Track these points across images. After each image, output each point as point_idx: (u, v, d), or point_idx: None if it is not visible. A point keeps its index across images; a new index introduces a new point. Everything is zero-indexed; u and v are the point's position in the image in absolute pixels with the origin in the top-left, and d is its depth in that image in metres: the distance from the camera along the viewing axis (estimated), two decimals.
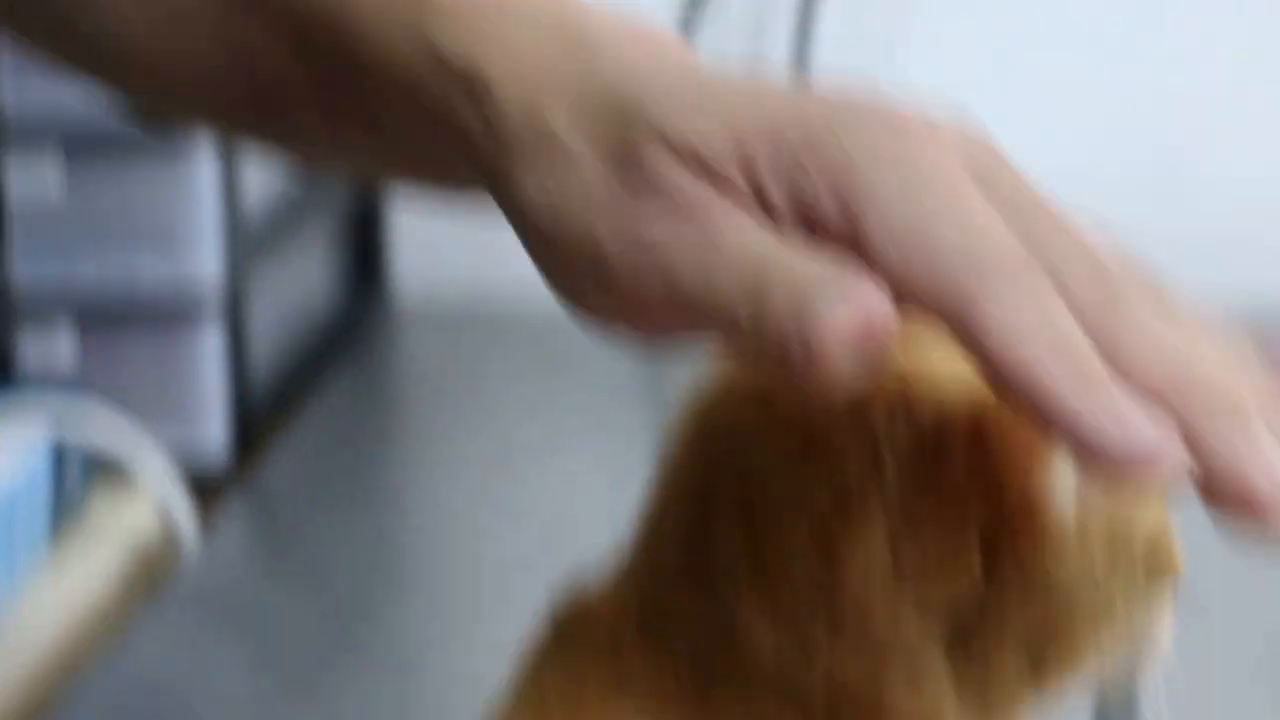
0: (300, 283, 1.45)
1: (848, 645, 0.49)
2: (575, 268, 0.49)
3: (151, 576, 1.17)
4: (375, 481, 1.25)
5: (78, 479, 1.23)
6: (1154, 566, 0.52)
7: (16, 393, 1.21)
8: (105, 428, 1.21)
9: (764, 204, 0.47)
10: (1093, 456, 0.44)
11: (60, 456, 1.20)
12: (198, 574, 1.11)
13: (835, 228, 0.47)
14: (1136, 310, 0.46)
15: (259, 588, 1.11)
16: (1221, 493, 0.44)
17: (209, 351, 1.28)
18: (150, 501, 1.24)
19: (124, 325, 1.29)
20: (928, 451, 0.49)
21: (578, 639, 0.50)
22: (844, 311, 0.44)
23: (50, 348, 1.29)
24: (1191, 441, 0.44)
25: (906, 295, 0.45)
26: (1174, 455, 0.44)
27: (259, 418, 1.32)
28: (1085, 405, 0.44)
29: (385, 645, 1.01)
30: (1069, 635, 0.50)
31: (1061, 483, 0.49)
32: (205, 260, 1.28)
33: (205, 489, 1.25)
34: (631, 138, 0.49)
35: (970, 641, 0.50)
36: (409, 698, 0.94)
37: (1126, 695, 0.55)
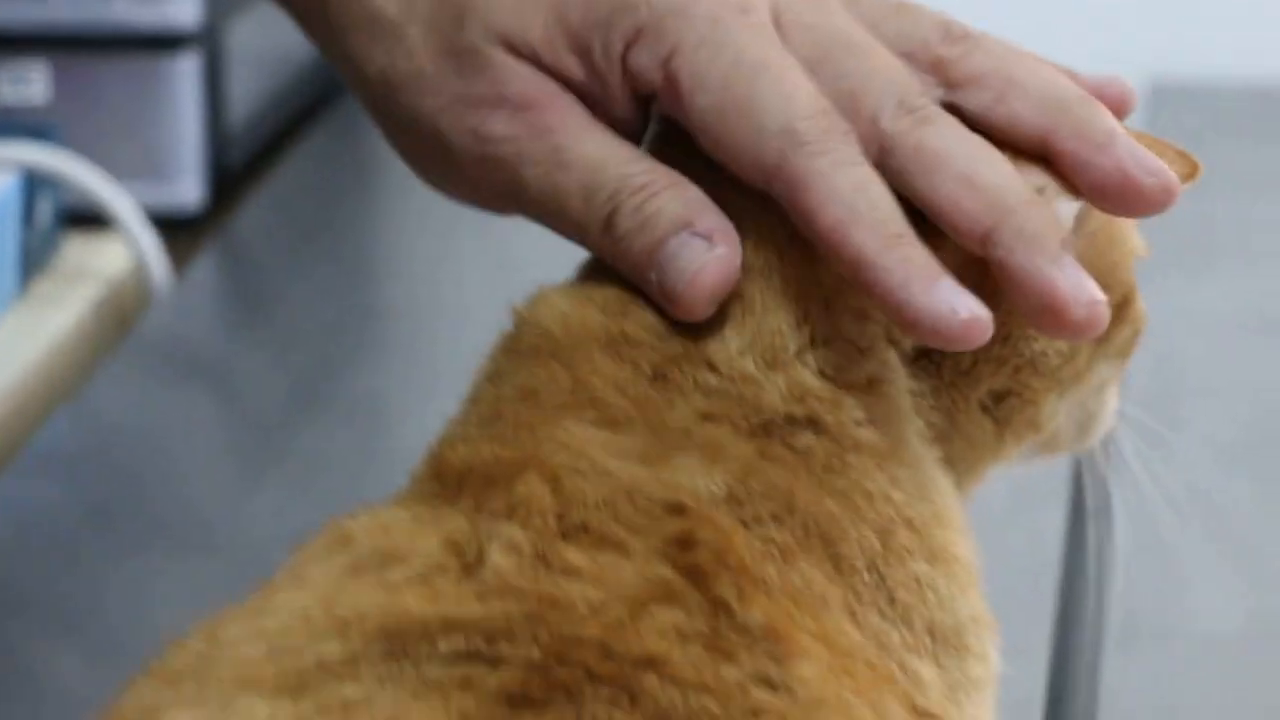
0: (283, 33, 1.43)
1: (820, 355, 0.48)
2: (424, 150, 0.53)
3: (122, 321, 1.16)
4: (350, 235, 1.24)
5: (49, 221, 1.22)
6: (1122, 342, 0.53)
7: None
8: (78, 169, 1.20)
9: (603, 88, 0.51)
10: (913, 326, 0.47)
11: (31, 195, 1.19)
12: (166, 320, 1.10)
13: (667, 105, 0.50)
14: (943, 128, 0.49)
15: (227, 336, 1.10)
16: (1037, 314, 0.48)
17: (185, 93, 1.26)
18: (123, 245, 1.23)
19: (99, 65, 1.27)
20: None
21: (534, 354, 0.50)
22: (697, 264, 0.48)
23: (24, 88, 1.27)
24: (1002, 271, 0.48)
25: (730, 166, 0.49)
26: (979, 316, 0.47)
27: (236, 167, 1.31)
28: (902, 278, 0.47)
29: (352, 398, 1.01)
30: (1034, 397, 0.51)
31: None
32: (183, 1, 1.26)
33: (179, 236, 1.24)
34: (467, 36, 0.51)
35: (942, 393, 0.51)
36: (376, 450, 0.94)
37: (1100, 480, 0.56)
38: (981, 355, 0.50)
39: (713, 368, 0.48)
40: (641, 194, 0.49)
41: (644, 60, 0.50)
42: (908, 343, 0.50)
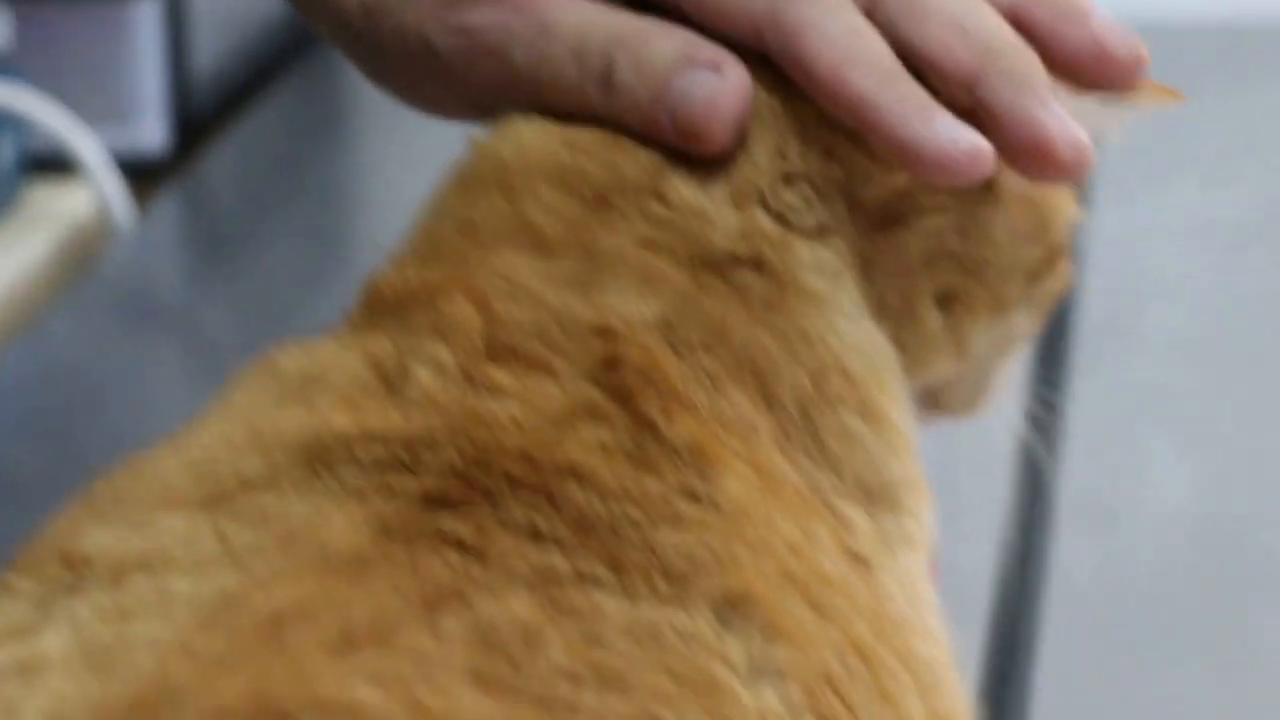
0: None
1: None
2: (405, 65, 0.52)
3: (84, 264, 1.16)
4: (315, 182, 1.23)
5: (11, 164, 1.22)
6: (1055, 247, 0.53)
7: None
8: (41, 109, 1.19)
9: None
10: (916, 162, 0.47)
11: None
12: (126, 261, 1.10)
13: None
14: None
15: (188, 278, 1.10)
16: (1024, 154, 0.48)
17: (146, 36, 1.26)
18: (86, 190, 1.22)
19: (59, 8, 1.26)
20: None
21: (479, 185, 0.49)
22: (712, 93, 0.48)
23: None
24: (991, 114, 0.48)
25: (718, 25, 0.49)
26: (980, 147, 0.47)
27: (202, 112, 1.30)
28: (901, 114, 0.47)
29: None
30: (973, 306, 0.51)
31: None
32: None
33: (142, 181, 1.24)
34: None
35: (899, 273, 0.51)
36: None
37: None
38: (939, 248, 0.50)
39: (661, 198, 0.48)
40: (635, 42, 0.49)
41: None
42: (871, 200, 0.50)
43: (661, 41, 0.49)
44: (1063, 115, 0.48)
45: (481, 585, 0.41)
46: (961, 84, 0.48)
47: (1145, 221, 1.02)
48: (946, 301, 0.51)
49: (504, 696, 0.39)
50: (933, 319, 0.51)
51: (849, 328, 0.49)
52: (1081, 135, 0.48)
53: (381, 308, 0.48)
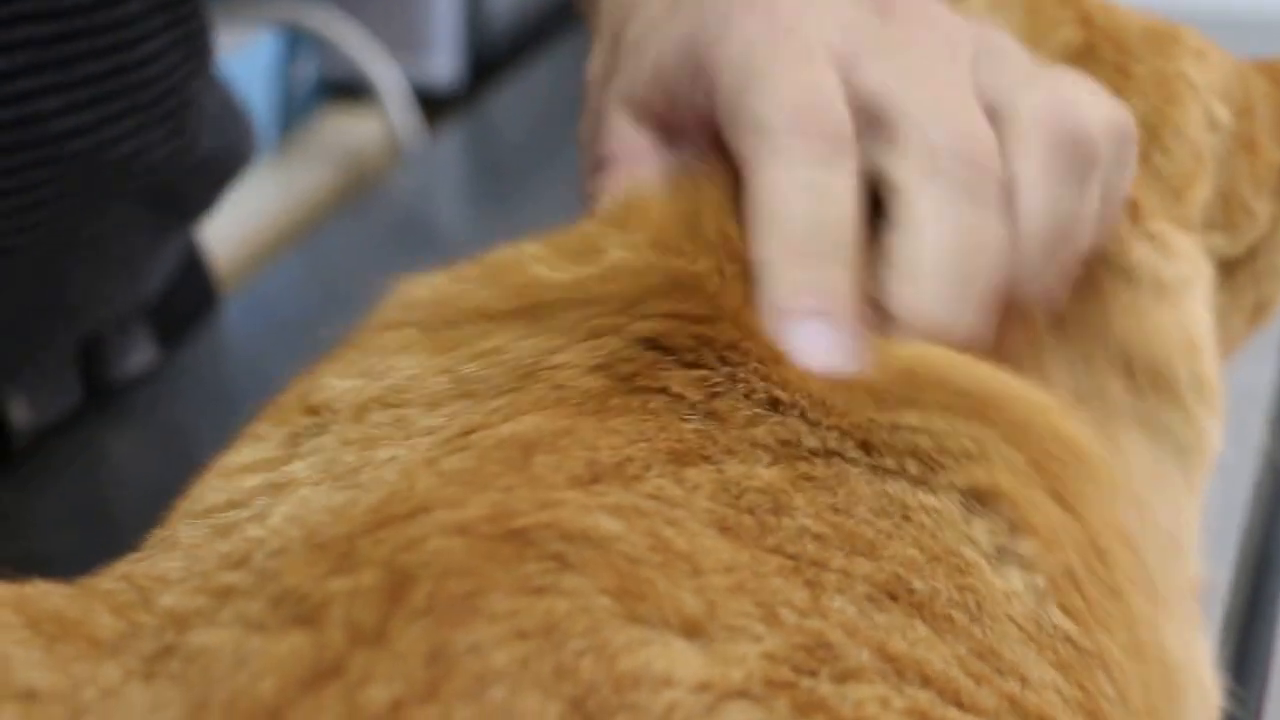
0: None
1: None
2: None
3: (370, 191, 1.20)
4: None
5: (311, 87, 1.26)
6: None
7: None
8: (344, 36, 1.23)
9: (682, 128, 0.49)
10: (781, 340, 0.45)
11: (293, 56, 1.22)
12: (407, 190, 1.13)
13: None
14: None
15: (464, 211, 1.13)
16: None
17: None
18: (379, 117, 1.26)
19: None
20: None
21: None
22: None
23: None
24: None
25: (727, 143, 0.47)
26: (835, 361, 0.45)
27: (494, 50, 1.33)
28: (781, 296, 0.45)
29: None
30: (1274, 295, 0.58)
31: None
32: None
33: (432, 112, 1.27)
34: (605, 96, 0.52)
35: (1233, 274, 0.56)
36: None
37: None
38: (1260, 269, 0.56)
39: None
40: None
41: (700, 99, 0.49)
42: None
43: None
44: None
45: (725, 448, 0.42)
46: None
47: None
48: (1260, 309, 0.58)
49: (749, 546, 0.40)
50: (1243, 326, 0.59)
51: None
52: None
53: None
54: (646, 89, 0.50)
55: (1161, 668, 0.46)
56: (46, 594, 0.39)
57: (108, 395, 0.77)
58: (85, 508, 0.71)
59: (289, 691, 0.34)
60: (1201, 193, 0.54)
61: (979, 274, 0.45)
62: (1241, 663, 0.69)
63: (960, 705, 0.38)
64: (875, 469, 0.43)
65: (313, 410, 0.45)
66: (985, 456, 0.44)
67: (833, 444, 0.43)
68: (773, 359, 0.44)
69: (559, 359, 0.44)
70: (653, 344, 0.44)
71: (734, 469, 0.42)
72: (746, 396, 0.43)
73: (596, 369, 0.44)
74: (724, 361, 0.44)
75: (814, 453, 0.43)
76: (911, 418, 0.44)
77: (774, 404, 0.43)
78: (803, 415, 0.43)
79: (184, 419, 0.78)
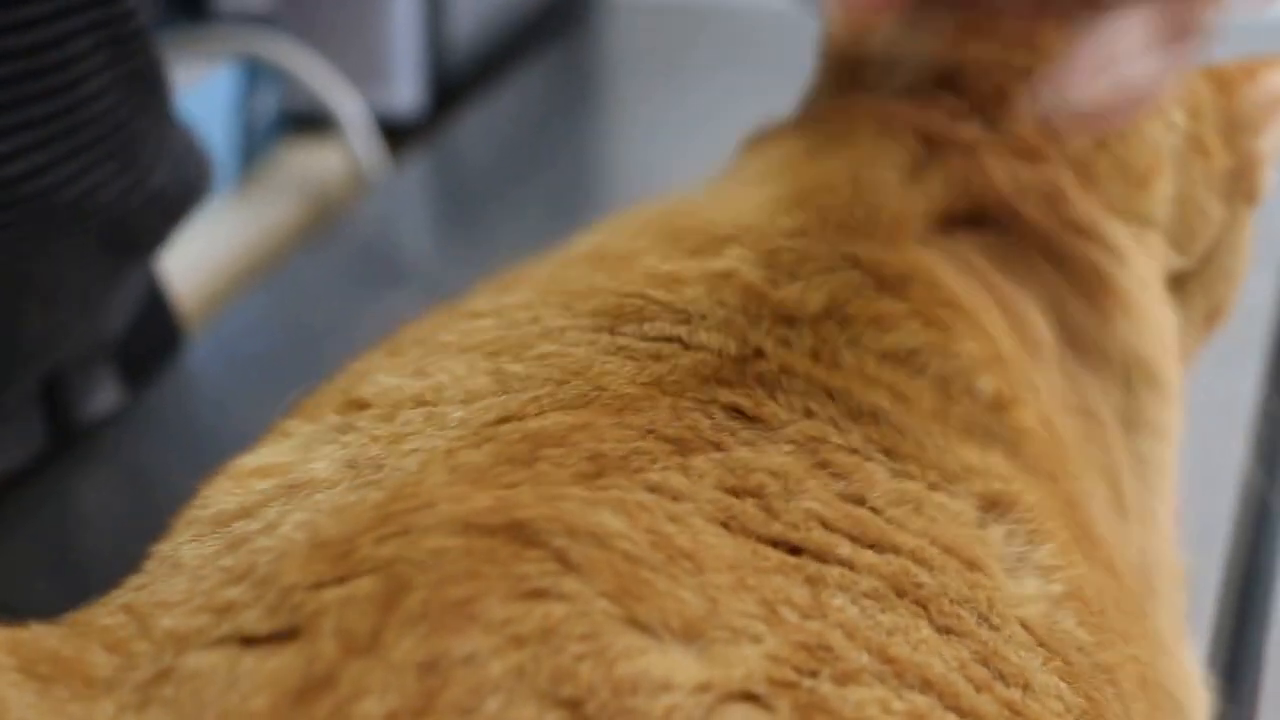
0: None
1: None
2: None
3: (333, 222, 1.19)
4: (562, 155, 1.25)
5: (271, 119, 1.25)
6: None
7: (211, 27, 1.22)
8: (305, 67, 1.22)
9: None
10: None
11: (252, 87, 1.21)
12: (371, 220, 1.12)
13: None
14: None
15: (429, 240, 1.12)
16: None
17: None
18: (341, 148, 1.25)
19: None
20: None
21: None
22: None
23: None
24: None
25: None
26: None
27: (455, 77, 1.33)
28: None
29: None
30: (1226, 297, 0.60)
31: None
32: None
33: (393, 142, 1.26)
34: None
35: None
36: None
37: None
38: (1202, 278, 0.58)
39: None
40: None
41: None
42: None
43: None
44: None
45: (742, 438, 0.43)
46: None
47: None
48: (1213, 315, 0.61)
49: (752, 538, 0.40)
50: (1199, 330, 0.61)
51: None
52: None
53: None
54: None
55: (1166, 695, 0.46)
56: (41, 635, 0.39)
57: (73, 438, 0.76)
58: (52, 554, 0.70)
59: (280, 708, 0.34)
60: (1163, 188, 0.54)
61: None
62: (1234, 664, 0.69)
63: (960, 711, 0.38)
64: (896, 472, 0.44)
65: (345, 408, 0.45)
66: (1012, 478, 0.45)
67: (858, 444, 0.44)
68: (818, 381, 0.45)
69: (606, 368, 0.45)
70: (709, 373, 0.46)
71: (743, 453, 0.42)
72: (780, 403, 0.45)
73: (640, 375, 0.45)
74: (764, 379, 0.45)
75: (839, 447, 0.44)
76: (937, 438, 0.45)
77: (808, 412, 0.44)
78: (833, 421, 0.44)
79: (151, 460, 0.77)
